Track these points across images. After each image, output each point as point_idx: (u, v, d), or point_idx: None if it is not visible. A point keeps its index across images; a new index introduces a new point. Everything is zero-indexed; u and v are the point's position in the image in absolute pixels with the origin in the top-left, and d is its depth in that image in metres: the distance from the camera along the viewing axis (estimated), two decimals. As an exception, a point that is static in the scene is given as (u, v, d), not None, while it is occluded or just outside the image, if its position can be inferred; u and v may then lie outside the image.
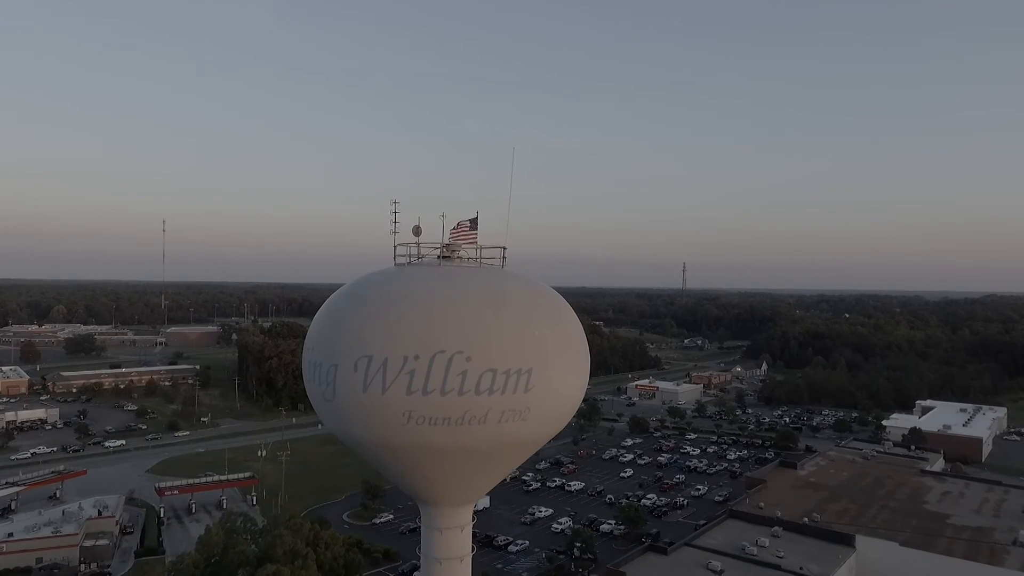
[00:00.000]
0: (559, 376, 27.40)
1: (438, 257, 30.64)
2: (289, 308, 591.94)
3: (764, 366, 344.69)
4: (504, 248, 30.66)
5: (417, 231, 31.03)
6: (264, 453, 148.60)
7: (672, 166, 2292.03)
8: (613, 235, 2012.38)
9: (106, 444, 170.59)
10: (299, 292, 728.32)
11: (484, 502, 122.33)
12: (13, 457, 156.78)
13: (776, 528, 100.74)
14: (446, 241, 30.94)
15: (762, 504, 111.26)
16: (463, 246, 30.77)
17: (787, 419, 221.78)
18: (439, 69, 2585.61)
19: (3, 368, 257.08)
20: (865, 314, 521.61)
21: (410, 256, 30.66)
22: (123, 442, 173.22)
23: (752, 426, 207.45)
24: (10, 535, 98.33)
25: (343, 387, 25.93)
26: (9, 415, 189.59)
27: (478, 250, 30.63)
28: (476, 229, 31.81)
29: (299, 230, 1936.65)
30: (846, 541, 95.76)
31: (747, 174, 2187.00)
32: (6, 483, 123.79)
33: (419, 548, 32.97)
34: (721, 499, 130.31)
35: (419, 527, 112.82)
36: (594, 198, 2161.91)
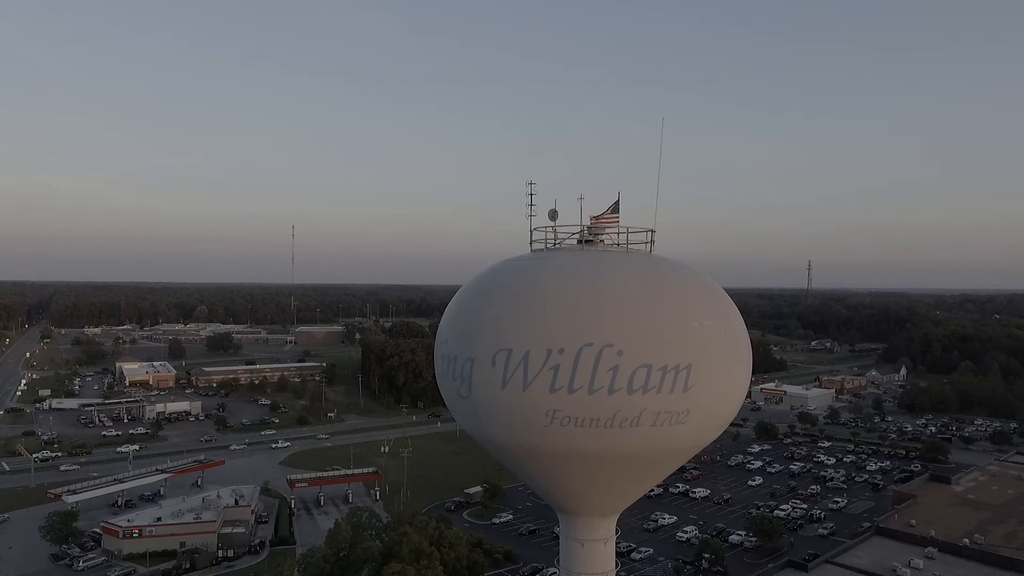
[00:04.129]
0: (721, 374, 24.06)
1: (579, 242, 27.93)
2: (408, 309, 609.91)
3: (903, 371, 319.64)
4: (652, 231, 27.56)
5: (553, 215, 28.49)
6: (387, 449, 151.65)
7: (793, 160, 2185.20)
8: (730, 232, 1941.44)
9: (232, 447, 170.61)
10: (417, 293, 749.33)
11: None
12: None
13: (930, 549, 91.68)
14: (586, 224, 28.15)
15: (913, 521, 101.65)
16: (606, 230, 27.92)
17: (932, 428, 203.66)
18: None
19: (154, 363, 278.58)
20: (1019, 315, 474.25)
21: (546, 242, 28.14)
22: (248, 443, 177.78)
23: (893, 435, 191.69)
24: (158, 519, 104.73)
25: (480, 383, 23.74)
26: (159, 407, 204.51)
27: (625, 234, 27.62)
28: (618, 212, 28.97)
29: (419, 231, 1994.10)
30: (1017, 568, 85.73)
31: (875, 165, 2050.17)
32: (156, 470, 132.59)
33: (557, 560, 30.32)
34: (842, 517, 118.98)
35: (538, 528, 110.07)
36: (709, 195, 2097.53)
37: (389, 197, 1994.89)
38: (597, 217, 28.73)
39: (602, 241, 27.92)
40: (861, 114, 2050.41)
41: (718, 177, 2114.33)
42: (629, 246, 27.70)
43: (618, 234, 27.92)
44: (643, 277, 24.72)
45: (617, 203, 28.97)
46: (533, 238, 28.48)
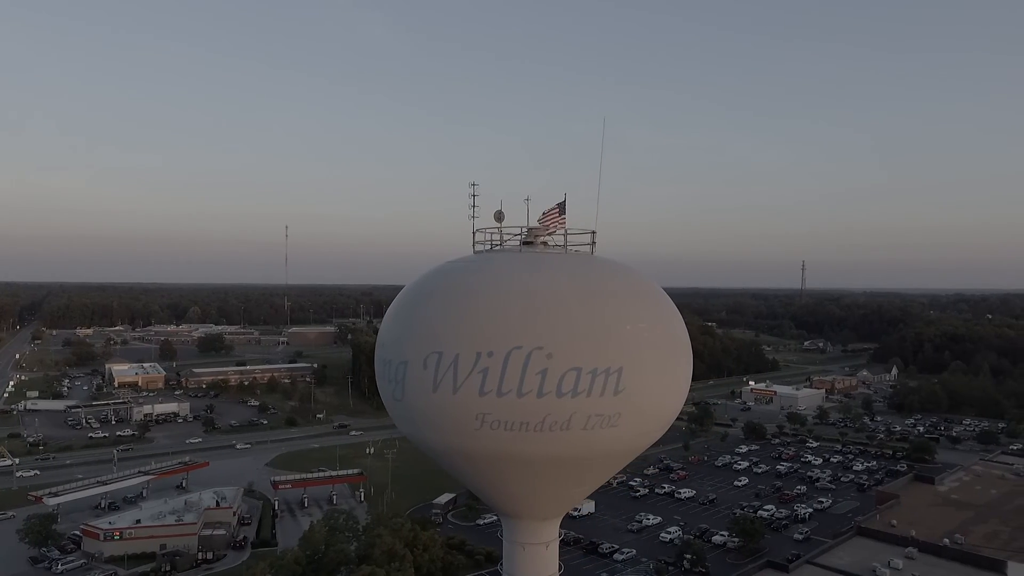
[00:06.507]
0: (655, 377, 23.88)
1: (520, 243, 27.79)
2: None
3: (894, 371, 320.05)
4: (594, 232, 27.41)
5: (499, 216, 28.34)
6: (372, 451, 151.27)
7: (786, 159, 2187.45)
8: (723, 233, 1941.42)
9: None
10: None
11: (589, 507, 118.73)
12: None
13: (910, 549, 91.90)
14: (530, 226, 28.00)
15: (894, 522, 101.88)
16: (550, 231, 27.78)
17: (921, 428, 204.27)
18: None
19: (144, 364, 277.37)
20: (1012, 315, 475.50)
21: (491, 243, 28.00)
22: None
23: (881, 435, 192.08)
24: (138, 521, 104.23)
25: (412, 386, 23.63)
26: (147, 408, 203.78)
27: (564, 235, 27.49)
28: (564, 214, 28.81)
29: (414, 231, 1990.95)
30: (996, 568, 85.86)
31: (873, 165, 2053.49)
32: (138, 471, 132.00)
33: (501, 564, 30.12)
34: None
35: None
36: (703, 195, 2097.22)
37: (384, 197, 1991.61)
38: (542, 217, 28.62)
39: (544, 243, 27.81)
40: (856, 114, 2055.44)
41: (718, 177, 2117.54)
42: (580, 248, 27.59)
43: (562, 236, 27.82)
44: (578, 279, 24.59)
45: (563, 204, 28.83)
46: (477, 239, 28.38)
